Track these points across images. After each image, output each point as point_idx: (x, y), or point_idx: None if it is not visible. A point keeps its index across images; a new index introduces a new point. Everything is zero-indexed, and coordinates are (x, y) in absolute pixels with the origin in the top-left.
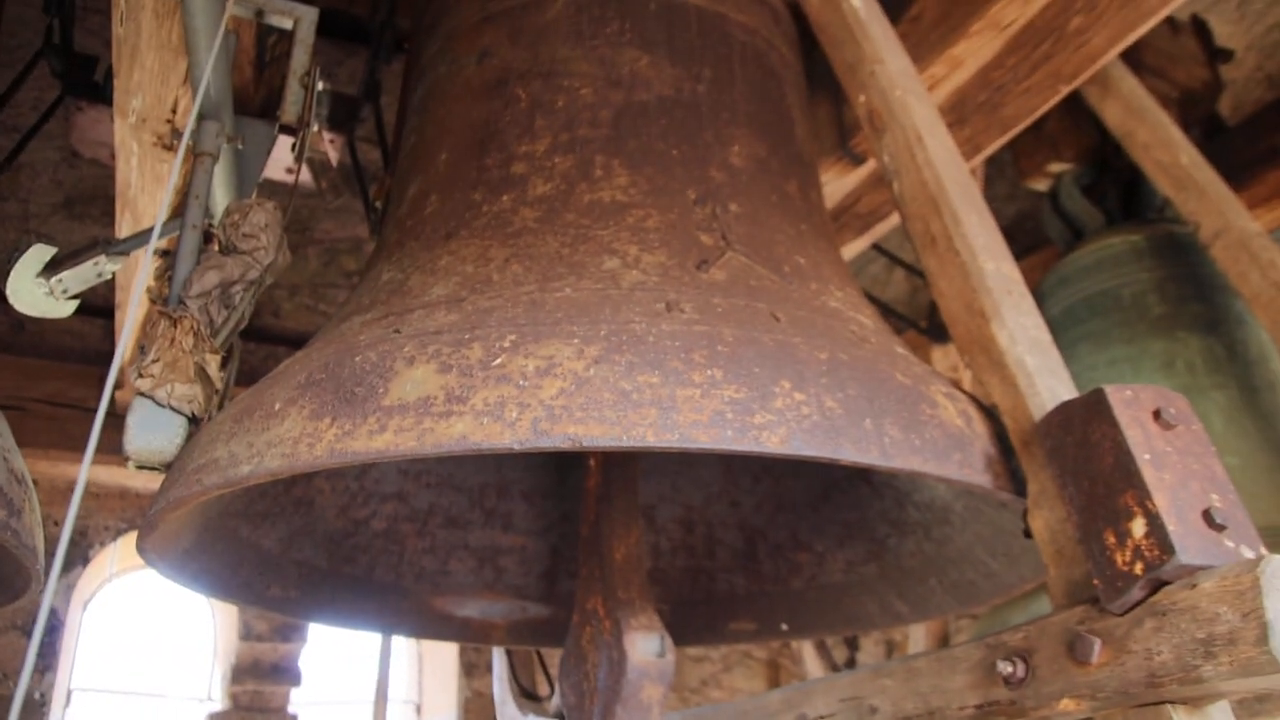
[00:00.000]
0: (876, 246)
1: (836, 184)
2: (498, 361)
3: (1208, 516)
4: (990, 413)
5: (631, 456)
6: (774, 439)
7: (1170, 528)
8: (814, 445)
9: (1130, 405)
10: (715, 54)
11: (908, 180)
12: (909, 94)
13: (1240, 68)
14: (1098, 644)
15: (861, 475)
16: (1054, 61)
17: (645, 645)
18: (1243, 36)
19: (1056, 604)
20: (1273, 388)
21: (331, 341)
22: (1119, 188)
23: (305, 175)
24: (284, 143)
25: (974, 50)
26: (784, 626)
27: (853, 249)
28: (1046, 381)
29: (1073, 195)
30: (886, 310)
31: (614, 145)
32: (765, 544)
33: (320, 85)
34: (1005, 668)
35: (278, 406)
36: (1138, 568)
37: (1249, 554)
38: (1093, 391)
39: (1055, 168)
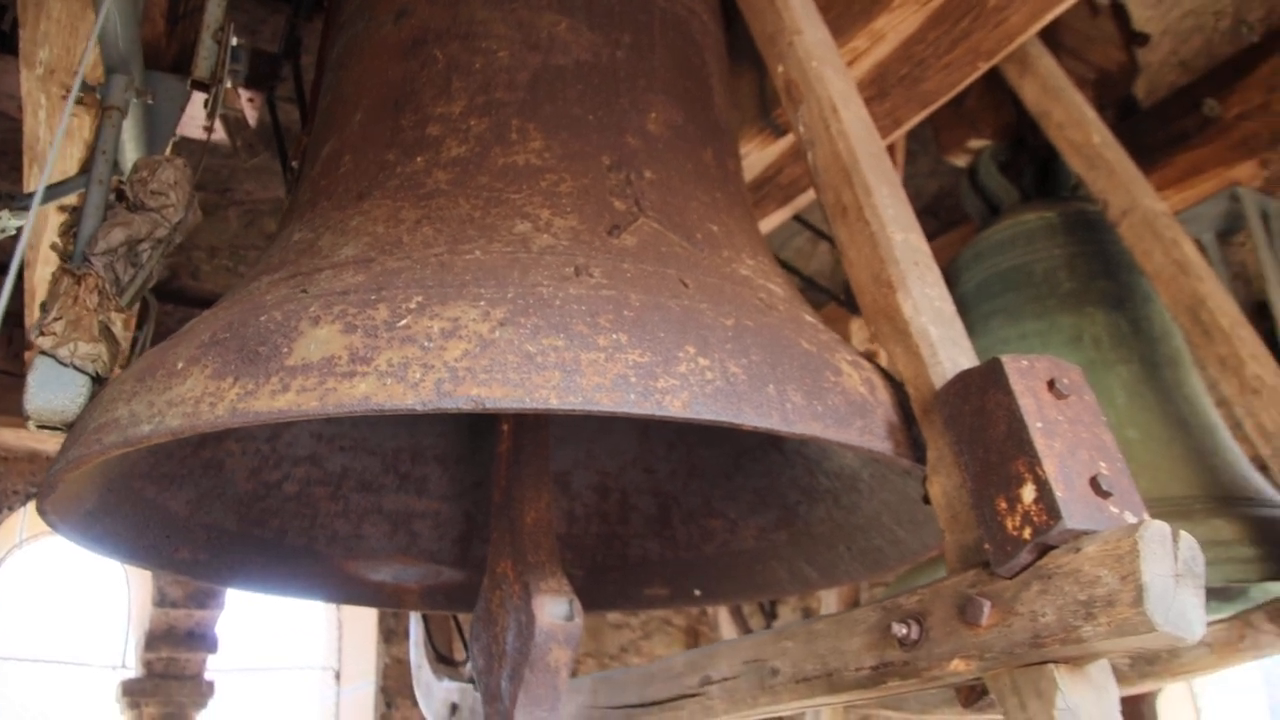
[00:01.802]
0: (801, 219)
1: (758, 155)
2: (403, 323)
3: (1095, 484)
4: (894, 381)
5: (544, 421)
6: (676, 403)
7: (1058, 494)
8: (716, 410)
9: (1025, 375)
10: (635, 20)
11: (822, 151)
12: (826, 65)
13: (1156, 52)
14: (987, 606)
15: (773, 443)
16: (974, 38)
17: (553, 609)
18: (1159, 21)
19: (950, 568)
20: (1173, 363)
21: (238, 301)
22: (1035, 165)
23: (220, 134)
24: (200, 100)
25: (895, 24)
26: (697, 592)
27: (774, 220)
28: (948, 351)
29: (990, 171)
30: (809, 283)
31: (530, 109)
32: (679, 510)
33: (235, 41)
34: (900, 629)
35: (180, 365)
36: (1026, 532)
37: (1133, 520)
38: (990, 361)
39: (974, 144)
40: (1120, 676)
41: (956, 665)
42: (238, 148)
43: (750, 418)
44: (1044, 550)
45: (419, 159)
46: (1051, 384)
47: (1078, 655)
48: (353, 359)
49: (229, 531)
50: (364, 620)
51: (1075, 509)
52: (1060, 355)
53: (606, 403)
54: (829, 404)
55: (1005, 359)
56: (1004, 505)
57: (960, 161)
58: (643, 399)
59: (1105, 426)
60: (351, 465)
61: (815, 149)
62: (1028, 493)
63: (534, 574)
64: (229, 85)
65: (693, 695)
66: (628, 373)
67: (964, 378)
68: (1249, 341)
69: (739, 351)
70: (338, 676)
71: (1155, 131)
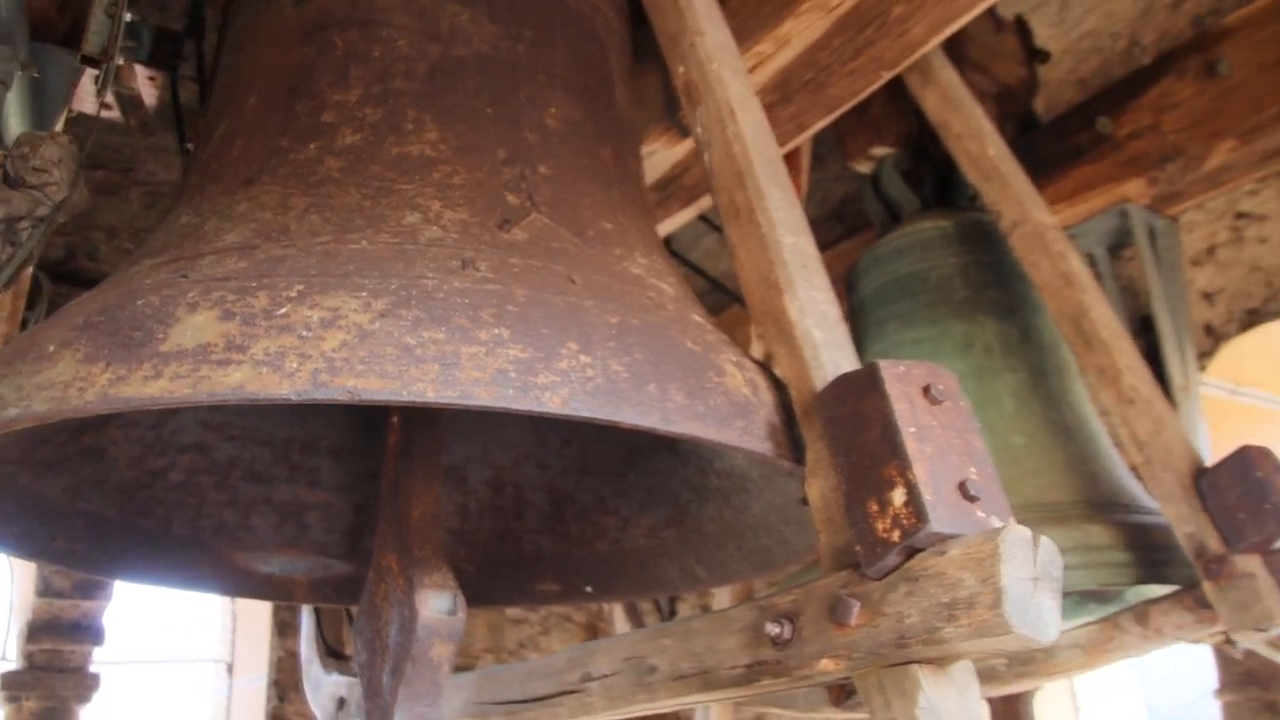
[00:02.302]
0: (709, 220)
1: (664, 154)
2: (282, 311)
3: (963, 488)
4: (778, 383)
5: (435, 415)
6: (555, 399)
7: (926, 498)
8: (596, 407)
9: (901, 380)
10: (538, 15)
11: (718, 152)
12: (725, 68)
13: (1056, 69)
14: (856, 607)
15: (666, 441)
16: (877, 47)
17: (436, 603)
18: (1060, 40)
19: (824, 569)
20: (1060, 372)
21: (116, 284)
22: (936, 175)
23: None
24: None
25: (801, 30)
26: (588, 589)
27: (679, 219)
28: (831, 354)
29: (892, 179)
30: (716, 285)
31: (427, 100)
32: (572, 507)
33: (132, 17)
34: (773, 629)
35: (51, 349)
36: (895, 535)
37: (998, 524)
38: (867, 366)
39: (878, 151)
40: (996, 676)
41: (825, 665)
42: (132, 126)
43: (630, 416)
44: (912, 553)
45: (312, 146)
46: (927, 390)
47: (940, 656)
48: (228, 347)
49: (110, 520)
50: (258, 613)
51: (942, 513)
52: (951, 361)
53: (484, 397)
54: (710, 404)
55: (882, 364)
56: (875, 508)
57: (864, 168)
58: (521, 395)
59: (977, 433)
60: (240, 455)
61: (712, 150)
62: (898, 496)
63: (419, 568)
64: (121, 62)
65: (573, 692)
66: (508, 368)
67: (842, 381)
68: (1127, 353)
69: (622, 349)
70: (230, 669)
71: (1052, 146)
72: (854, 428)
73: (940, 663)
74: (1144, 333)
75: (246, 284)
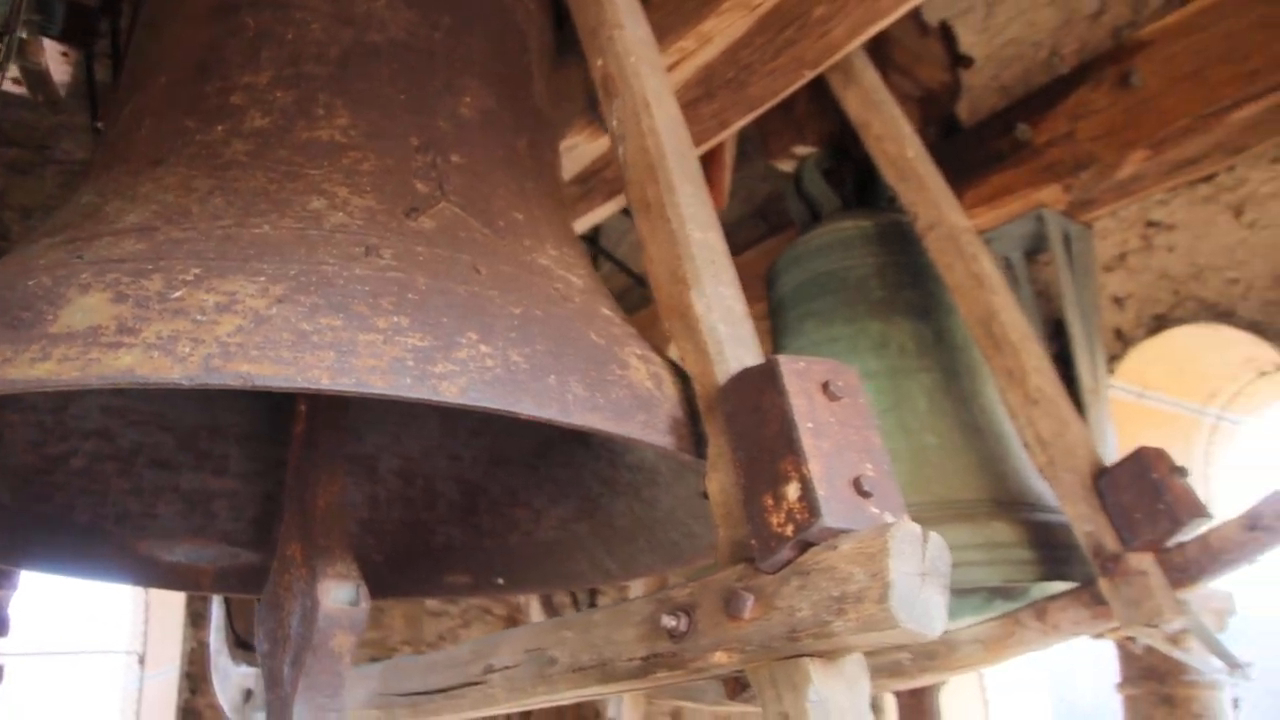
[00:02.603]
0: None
1: (586, 147)
2: (177, 294)
3: (857, 484)
4: (684, 377)
5: (342, 403)
6: (452, 389)
7: (820, 493)
8: (494, 398)
9: (800, 376)
10: (457, 2)
11: (632, 146)
12: (643, 62)
13: (980, 75)
14: (750, 600)
15: (578, 434)
16: (798, 47)
17: (339, 593)
18: (984, 46)
19: (721, 563)
20: (972, 373)
21: (9, 264)
22: (857, 175)
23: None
24: None
25: (723, 28)
26: (499, 580)
27: (602, 212)
28: (735, 350)
29: (813, 178)
30: (639, 281)
31: (339, 84)
32: (483, 498)
33: None
34: (669, 621)
35: None
36: (789, 529)
37: (891, 520)
38: (767, 361)
39: (800, 150)
40: (900, 670)
41: (719, 657)
42: (39, 103)
43: (529, 407)
44: (805, 547)
45: (219, 128)
46: (826, 386)
47: (830, 649)
48: (120, 329)
49: (6, 506)
50: (171, 604)
51: (835, 508)
52: (867, 360)
53: (380, 385)
54: (611, 396)
55: (782, 359)
56: (770, 502)
57: (787, 167)
58: (418, 383)
59: (875, 429)
60: (145, 441)
61: (626, 144)
62: (792, 490)
63: (322, 558)
64: (25, 36)
65: (476, 683)
66: (405, 356)
67: (743, 376)
68: (1034, 355)
69: (523, 340)
70: (141, 661)
71: (974, 151)
72: (753, 422)
73: (831, 656)
74: (1057, 336)
75: (142, 266)
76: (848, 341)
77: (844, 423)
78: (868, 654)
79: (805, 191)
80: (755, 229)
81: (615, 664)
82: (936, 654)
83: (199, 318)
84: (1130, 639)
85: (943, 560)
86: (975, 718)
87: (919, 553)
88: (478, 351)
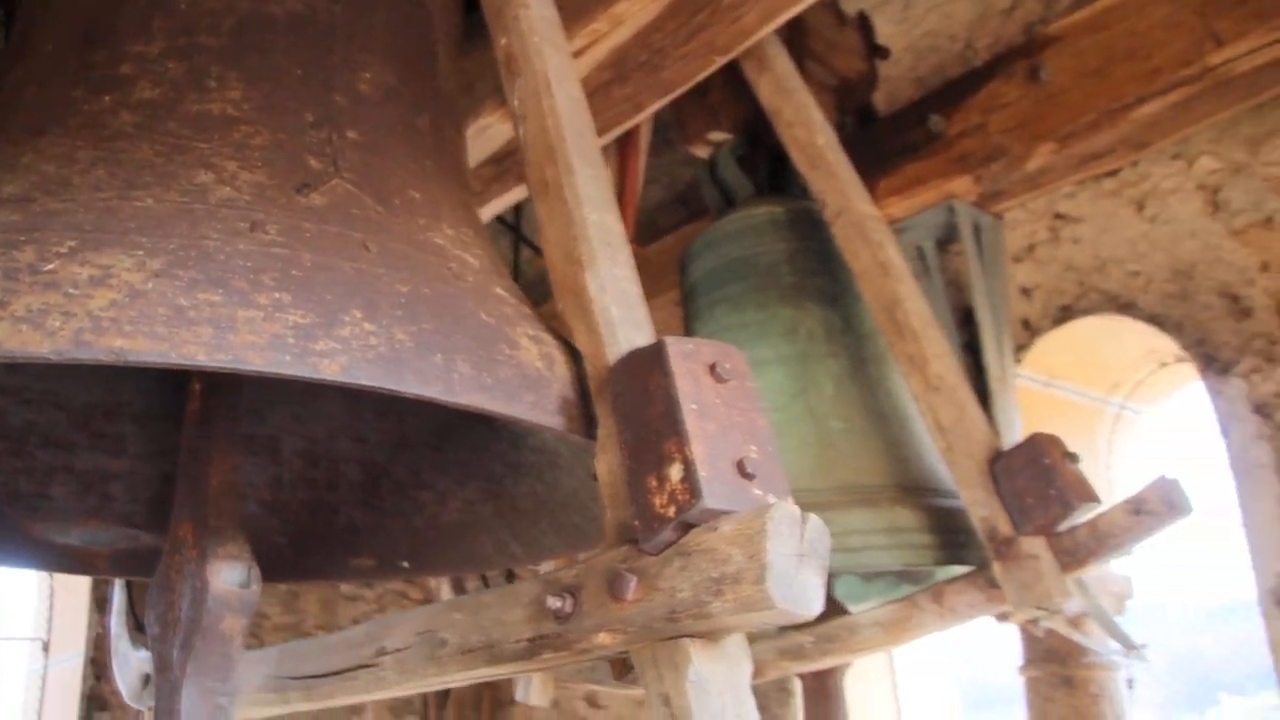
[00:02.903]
0: None
1: (499, 129)
2: (49, 267)
3: (740, 466)
4: (578, 358)
5: (237, 382)
6: (334, 367)
7: (701, 474)
8: (377, 376)
9: (688, 357)
10: None
11: (532, 126)
12: (546, 41)
13: (897, 66)
14: (633, 582)
15: (481, 416)
16: (710, 32)
17: (229, 575)
18: (902, 38)
19: (608, 544)
20: (879, 360)
21: None
22: (771, 161)
23: None
24: None
25: (634, 11)
26: (404, 564)
27: (516, 194)
28: (627, 331)
29: (728, 164)
30: None
31: (233, 56)
32: (388, 481)
33: None
34: (554, 602)
35: None
36: (671, 511)
37: (773, 502)
38: (655, 342)
39: (715, 136)
40: (802, 653)
41: (603, 638)
42: None
43: (413, 385)
44: (687, 528)
45: (106, 98)
46: (713, 368)
47: (709, 630)
48: None
49: None
50: (76, 589)
51: (717, 489)
52: (777, 346)
53: (258, 362)
54: (499, 376)
55: (670, 340)
56: (654, 483)
57: (702, 152)
58: (298, 361)
59: (761, 412)
60: (37, 420)
61: (526, 124)
62: (675, 472)
63: (213, 539)
64: None
65: (368, 666)
66: (285, 333)
67: (631, 358)
68: (936, 342)
69: (409, 319)
70: (46, 648)
71: (889, 141)
72: (639, 403)
73: (712, 636)
74: (966, 325)
75: (14, 238)
76: (758, 327)
77: (730, 405)
78: (770, 637)
79: (719, 177)
80: (676, 214)
81: (503, 645)
82: (838, 637)
83: (71, 291)
84: (1033, 622)
85: (821, 542)
86: (885, 701)
87: (797, 534)
88: (361, 329)
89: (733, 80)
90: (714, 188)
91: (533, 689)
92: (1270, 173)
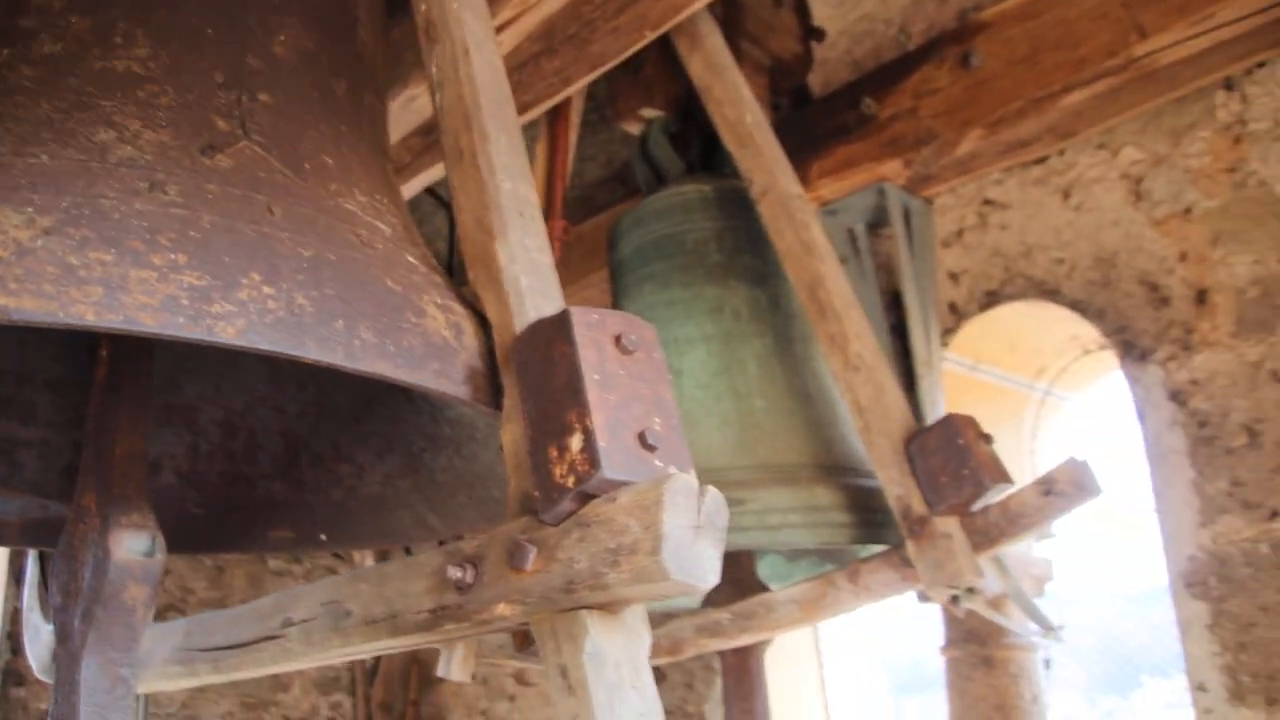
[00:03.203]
0: None
1: (427, 99)
2: None
3: (642, 437)
4: (488, 328)
5: (147, 348)
6: (230, 330)
7: (600, 444)
8: (274, 340)
9: (593, 328)
10: None
11: (448, 93)
12: (466, 8)
13: (834, 49)
14: (532, 552)
15: (401, 389)
16: (640, 5)
17: (132, 543)
18: (839, 21)
19: (510, 514)
20: (804, 340)
21: None
22: (702, 140)
23: None
24: None
25: None
26: (323, 536)
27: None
28: (535, 301)
29: (659, 141)
30: None
31: (141, 13)
32: (307, 452)
33: None
34: (455, 573)
35: None
36: (570, 481)
37: (672, 473)
38: (560, 312)
39: (647, 113)
40: (720, 630)
41: (502, 610)
42: None
43: (312, 351)
44: (586, 499)
45: (5, 52)
46: (619, 339)
47: (606, 601)
48: None
49: None
50: None
51: (616, 460)
52: (702, 324)
53: (151, 324)
54: (403, 344)
55: (575, 310)
56: (555, 454)
57: (634, 128)
58: (192, 323)
59: (668, 384)
60: None
61: (444, 91)
62: (576, 442)
63: (116, 507)
64: None
65: (274, 637)
66: (180, 295)
67: (536, 327)
68: (856, 322)
69: (311, 284)
70: None
71: (823, 123)
72: (543, 373)
73: (611, 608)
74: (895, 308)
75: None
76: (684, 305)
77: (635, 376)
78: (688, 614)
79: (650, 154)
80: (613, 192)
81: (405, 616)
82: (755, 614)
83: None
84: (953, 602)
85: (719, 515)
86: (811, 680)
87: (694, 506)
88: (260, 293)
89: (667, 57)
90: (645, 165)
91: (454, 663)
92: (1190, 165)
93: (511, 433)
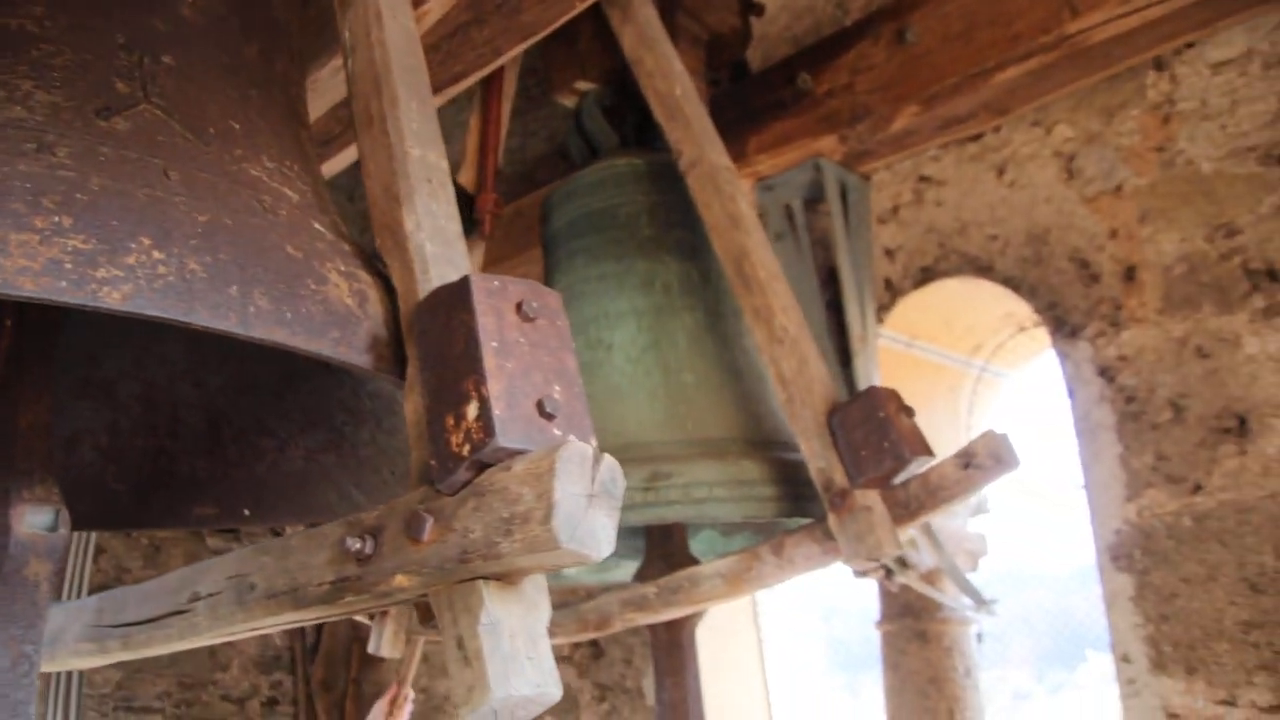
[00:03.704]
0: None
1: None
2: None
3: (540, 406)
4: (396, 296)
5: (53, 319)
6: (116, 295)
7: (496, 412)
8: (164, 306)
9: (493, 295)
10: None
11: (360, 58)
12: None
13: (774, 24)
14: (429, 522)
15: (324, 362)
16: None
17: (34, 518)
18: None
19: (412, 485)
20: (736, 314)
21: None
22: (637, 113)
23: None
24: None
25: None
26: (246, 512)
27: None
28: (441, 269)
29: (593, 114)
30: None
31: None
32: (230, 427)
33: None
34: (354, 544)
35: None
36: (465, 449)
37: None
38: (460, 279)
39: (582, 86)
40: (646, 604)
41: (400, 581)
42: None
43: (203, 318)
44: (482, 468)
45: None
46: (520, 306)
47: (501, 571)
48: None
49: None
50: None
51: (512, 428)
52: (633, 298)
53: (31, 288)
54: (301, 311)
55: (475, 277)
56: (452, 422)
57: (568, 101)
58: (76, 288)
59: (571, 352)
60: None
61: (355, 56)
62: (472, 410)
63: (18, 481)
64: None
65: (181, 612)
66: (63, 258)
67: (437, 294)
68: (781, 295)
69: (205, 249)
70: None
71: (760, 98)
72: (442, 341)
73: (510, 579)
74: (831, 284)
75: None
76: (615, 279)
77: (536, 344)
78: (615, 589)
79: (585, 127)
80: (556, 167)
81: (307, 589)
82: (681, 588)
83: None
84: (887, 577)
85: (615, 484)
86: (751, 655)
87: (588, 474)
88: (150, 258)
89: (602, 30)
90: (579, 138)
91: (384, 640)
92: (1122, 143)
93: (414, 402)
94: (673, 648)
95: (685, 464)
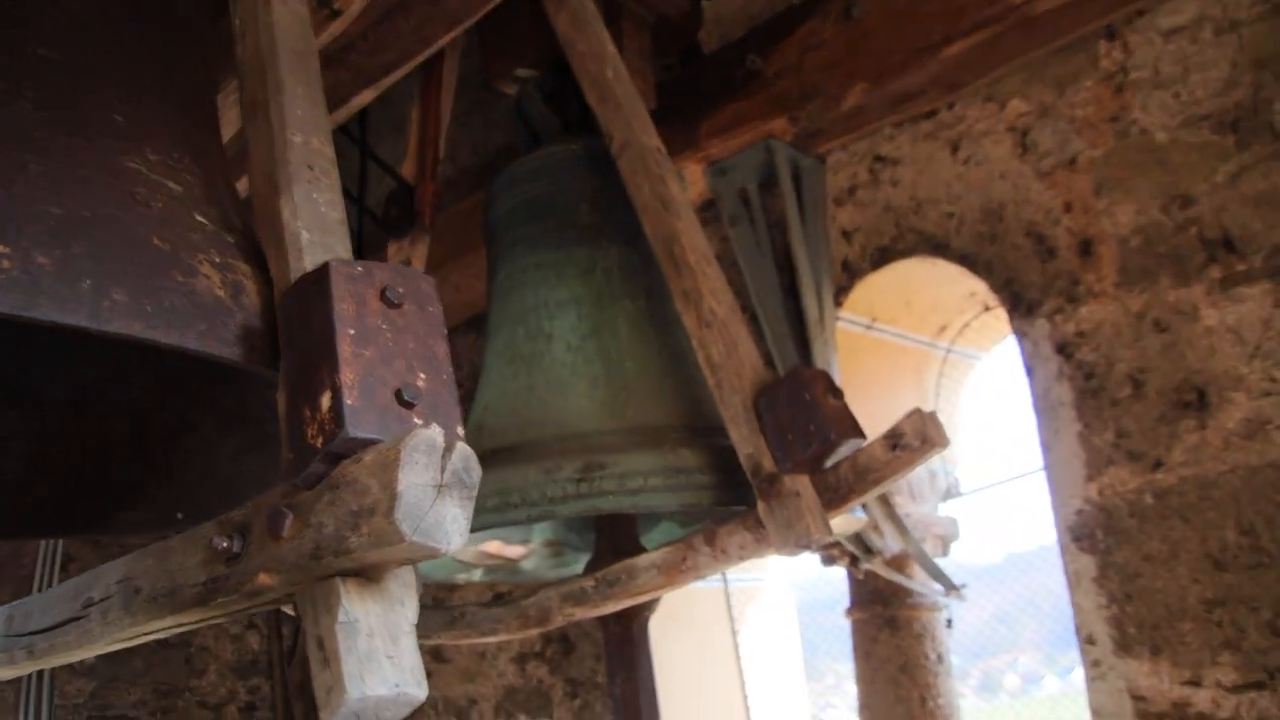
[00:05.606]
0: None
1: None
2: None
3: (399, 394)
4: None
5: None
6: None
7: (347, 401)
8: (9, 304)
9: (354, 281)
10: None
11: (248, 44)
12: None
13: (729, 5)
14: (289, 518)
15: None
16: None
17: None
18: None
19: (281, 480)
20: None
21: None
22: (579, 98)
23: None
24: None
25: None
26: (180, 516)
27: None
28: (316, 256)
29: (534, 101)
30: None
31: None
32: (156, 430)
33: None
34: (220, 543)
35: None
36: (319, 441)
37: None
38: (320, 266)
39: (521, 72)
40: (584, 598)
41: (264, 579)
42: None
43: (49, 313)
44: (337, 460)
45: None
46: (384, 292)
47: (355, 567)
48: None
49: None
50: None
51: (364, 418)
52: (574, 286)
53: None
54: (165, 304)
55: (335, 263)
56: (308, 413)
57: (509, 89)
58: None
59: (442, 339)
60: None
61: (244, 41)
62: (325, 400)
63: None
64: None
65: (77, 619)
66: None
67: (300, 283)
68: (711, 277)
69: (56, 243)
70: None
71: (711, 80)
72: (302, 330)
73: (372, 575)
74: (789, 268)
75: None
76: (555, 267)
77: (401, 331)
78: (554, 584)
79: (526, 114)
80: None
81: (183, 591)
82: (618, 580)
83: None
84: (853, 564)
85: (469, 474)
86: (725, 646)
87: (436, 464)
88: None
89: (539, 15)
90: (520, 124)
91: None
92: (1075, 114)
93: (283, 394)
94: (624, 642)
95: (622, 454)
